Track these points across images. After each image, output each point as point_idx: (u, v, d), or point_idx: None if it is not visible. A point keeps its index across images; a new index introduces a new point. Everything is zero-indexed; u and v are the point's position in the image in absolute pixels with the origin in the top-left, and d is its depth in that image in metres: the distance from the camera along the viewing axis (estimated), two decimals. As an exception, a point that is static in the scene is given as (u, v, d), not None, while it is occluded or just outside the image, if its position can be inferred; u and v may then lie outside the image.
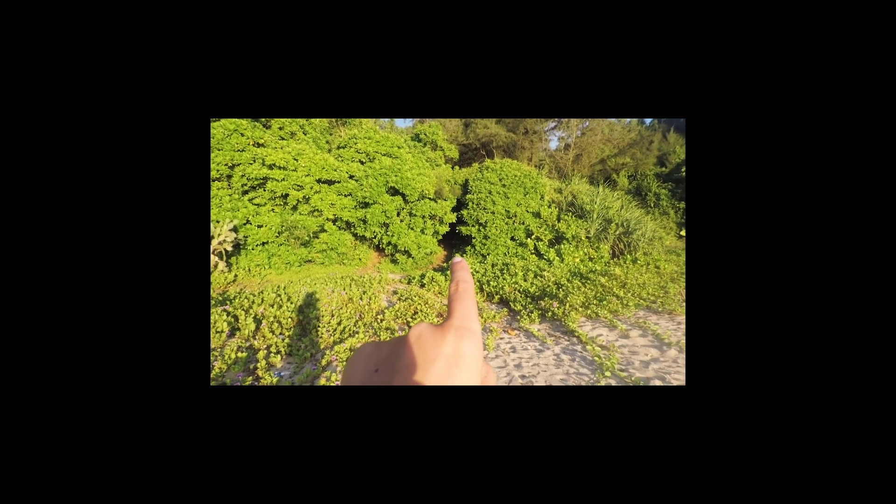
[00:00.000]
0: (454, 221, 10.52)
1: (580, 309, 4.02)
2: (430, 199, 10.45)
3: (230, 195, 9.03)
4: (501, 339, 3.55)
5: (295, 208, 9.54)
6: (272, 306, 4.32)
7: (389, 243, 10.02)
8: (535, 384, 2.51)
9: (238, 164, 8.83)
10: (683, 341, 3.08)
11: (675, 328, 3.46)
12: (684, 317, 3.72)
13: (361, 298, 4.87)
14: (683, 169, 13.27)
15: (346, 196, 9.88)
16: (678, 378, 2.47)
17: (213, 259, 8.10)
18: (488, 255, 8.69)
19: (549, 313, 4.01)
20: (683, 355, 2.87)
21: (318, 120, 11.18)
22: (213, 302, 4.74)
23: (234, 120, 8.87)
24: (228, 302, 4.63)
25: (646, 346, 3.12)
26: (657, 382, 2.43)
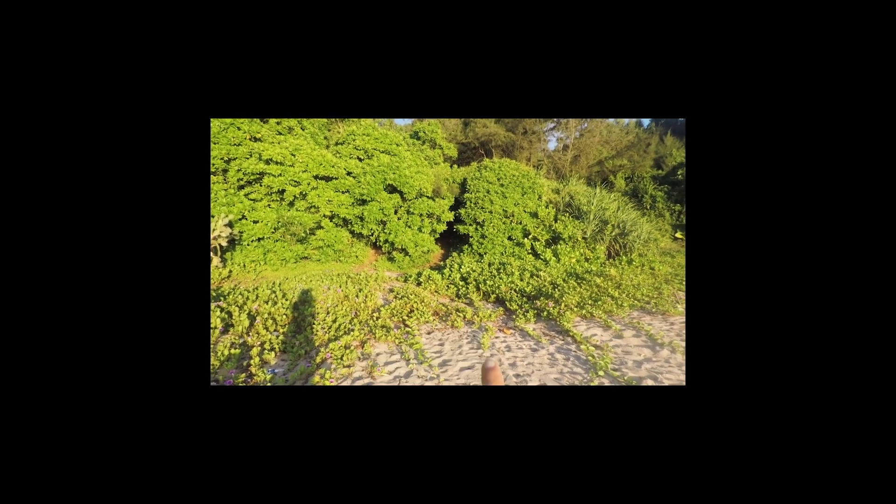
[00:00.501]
0: (452, 220, 10.50)
1: (575, 309, 4.04)
2: (428, 197, 10.42)
3: (226, 190, 8.92)
4: (497, 338, 3.56)
5: (291, 204, 9.46)
6: (267, 303, 4.29)
7: (387, 241, 9.99)
8: (530, 383, 2.52)
9: (234, 159, 8.72)
10: (676, 342, 3.12)
11: (667, 328, 3.49)
12: (677, 318, 3.77)
13: (357, 296, 4.85)
14: (680, 172, 13.37)
15: (343, 193, 9.82)
16: (670, 378, 2.50)
17: (208, 254, 8.00)
18: (485, 254, 8.70)
19: (545, 313, 4.03)
20: (675, 355, 2.90)
21: (315, 115, 11.05)
22: (206, 297, 4.67)
23: (230, 114, 8.73)
24: (222, 298, 4.59)
25: (639, 346, 3.15)
26: (649, 382, 2.46)
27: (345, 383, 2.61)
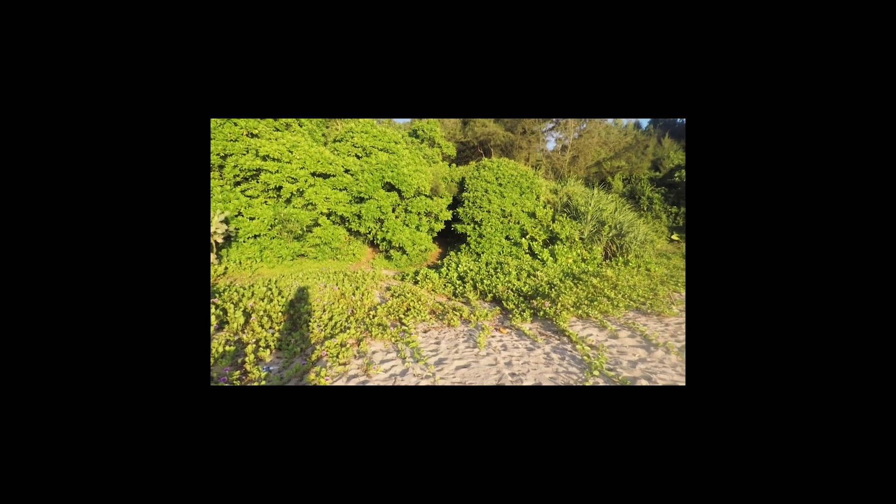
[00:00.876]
0: (450, 219, 10.50)
1: (571, 309, 4.06)
2: (426, 195, 10.41)
3: (222, 186, 8.84)
4: (493, 336, 3.57)
5: (288, 201, 9.40)
6: (262, 300, 4.26)
7: (384, 239, 9.96)
8: (525, 382, 2.53)
9: (230, 154, 8.64)
10: (671, 342, 3.14)
11: (662, 329, 3.52)
12: (672, 318, 3.80)
13: (354, 294, 4.84)
14: (677, 174, 13.45)
15: (341, 190, 9.77)
16: (664, 378, 2.52)
17: (203, 250, 7.91)
18: (483, 253, 8.71)
19: (541, 312, 4.05)
20: (670, 356, 2.92)
21: (313, 112, 10.95)
22: (201, 294, 4.63)
23: (227, 109, 8.64)
24: (218, 295, 4.55)
25: (634, 346, 3.17)
26: (643, 382, 2.47)
27: (340, 381, 2.60)
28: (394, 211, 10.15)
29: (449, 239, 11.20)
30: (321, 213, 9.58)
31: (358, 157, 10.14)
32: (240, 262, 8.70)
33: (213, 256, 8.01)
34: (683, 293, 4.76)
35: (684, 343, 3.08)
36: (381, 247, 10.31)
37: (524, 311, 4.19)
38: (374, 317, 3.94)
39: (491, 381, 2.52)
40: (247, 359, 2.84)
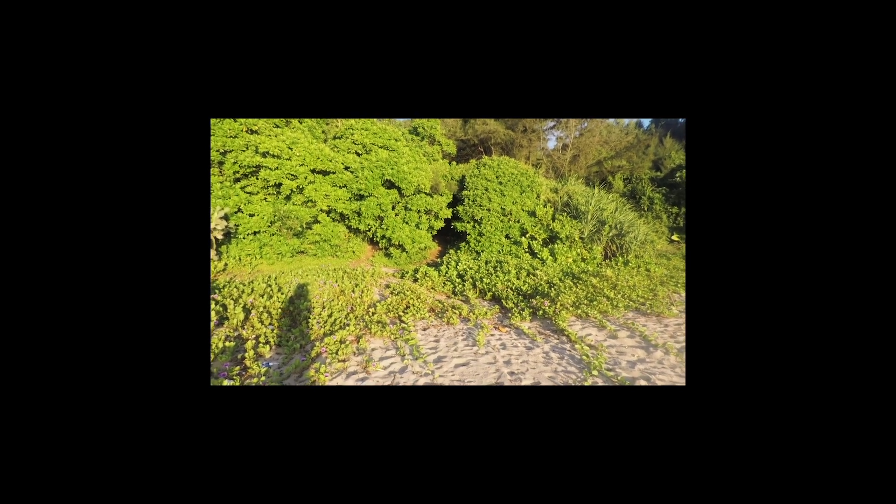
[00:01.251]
0: (450, 217, 10.50)
1: (571, 308, 4.07)
2: (426, 193, 10.39)
3: (221, 182, 8.82)
4: (492, 335, 3.58)
5: (288, 198, 9.38)
6: (262, 296, 4.26)
7: (384, 237, 9.96)
8: (524, 381, 2.54)
9: (230, 151, 8.61)
10: (670, 343, 3.15)
11: (661, 330, 3.53)
12: (671, 319, 3.81)
13: (353, 291, 4.84)
14: (678, 174, 13.43)
15: (340, 187, 9.76)
16: (662, 379, 2.53)
17: (203, 246, 7.91)
18: (482, 252, 8.71)
19: (540, 312, 4.06)
20: (669, 357, 2.93)
21: (314, 108, 10.90)
22: (201, 290, 4.63)
23: (227, 104, 8.61)
24: (217, 291, 4.56)
25: (633, 346, 3.18)
26: (642, 382, 2.48)
27: (340, 377, 2.61)
28: (393, 208, 10.14)
29: (448, 237, 11.20)
30: (321, 210, 9.57)
31: (358, 155, 10.12)
32: (239, 259, 8.71)
33: (213, 253, 8.01)
34: (683, 294, 4.77)
35: (683, 344, 3.09)
36: (380, 244, 10.31)
37: (523, 309, 4.19)
38: (373, 314, 3.95)
39: (490, 380, 2.52)
40: (246, 354, 2.85)
